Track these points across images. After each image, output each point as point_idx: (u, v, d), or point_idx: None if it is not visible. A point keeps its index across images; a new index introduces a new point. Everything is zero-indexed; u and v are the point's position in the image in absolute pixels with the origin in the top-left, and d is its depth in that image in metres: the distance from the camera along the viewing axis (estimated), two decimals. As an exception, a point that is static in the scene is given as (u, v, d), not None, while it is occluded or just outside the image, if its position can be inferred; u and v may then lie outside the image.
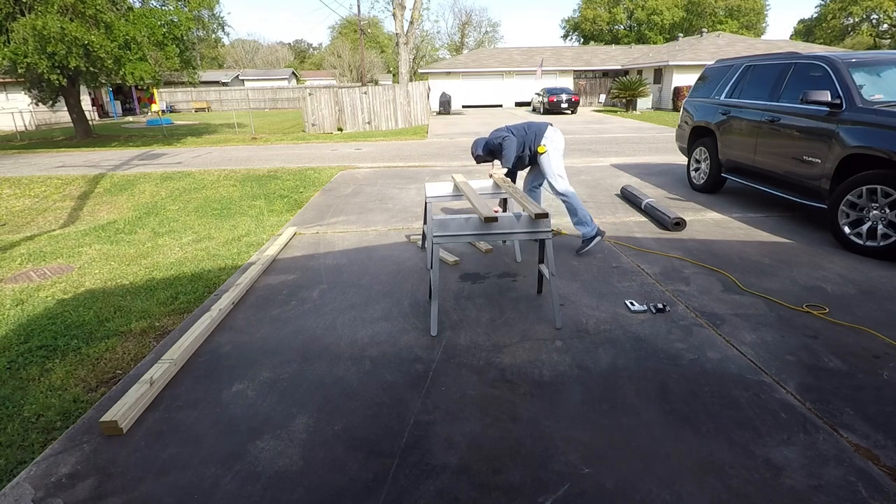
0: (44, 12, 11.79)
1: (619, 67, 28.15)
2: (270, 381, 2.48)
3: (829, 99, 4.29)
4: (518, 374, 2.50)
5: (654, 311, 3.12)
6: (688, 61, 22.83)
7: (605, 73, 28.77)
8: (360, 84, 34.99)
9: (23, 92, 17.54)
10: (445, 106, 23.94)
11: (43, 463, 1.98)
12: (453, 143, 13.11)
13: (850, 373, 2.44)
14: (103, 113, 29.22)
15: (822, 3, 46.98)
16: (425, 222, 3.91)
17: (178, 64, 14.65)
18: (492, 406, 2.26)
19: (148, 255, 4.59)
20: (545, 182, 4.24)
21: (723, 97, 6.02)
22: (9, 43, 12.18)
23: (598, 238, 4.17)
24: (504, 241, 3.07)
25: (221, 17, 16.94)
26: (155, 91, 18.28)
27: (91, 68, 13.10)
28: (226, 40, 24.46)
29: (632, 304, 3.21)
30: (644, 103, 24.79)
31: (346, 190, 7.21)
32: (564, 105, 22.07)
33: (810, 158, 4.52)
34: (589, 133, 14.48)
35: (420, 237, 4.51)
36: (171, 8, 14.54)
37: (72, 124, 17.06)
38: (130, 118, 28.46)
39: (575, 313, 3.14)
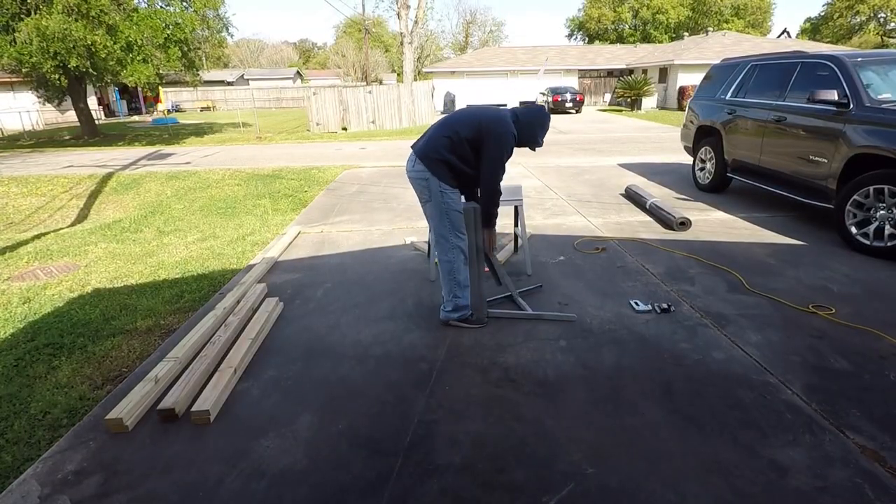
0: (48, 12, 11.87)
1: (624, 67, 28.04)
2: (274, 380, 2.49)
3: (837, 98, 4.26)
4: (522, 373, 2.50)
5: (658, 311, 3.11)
6: (693, 60, 22.71)
7: (610, 73, 28.65)
8: (364, 83, 35.02)
9: (29, 91, 17.67)
10: (450, 105, 23.90)
11: (49, 460, 1.99)
12: (457, 142, 13.09)
13: (856, 374, 2.42)
14: (109, 112, 29.38)
15: (829, 1, 46.65)
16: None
17: (180, 65, 14.70)
18: (496, 405, 2.26)
19: (153, 254, 4.61)
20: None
21: (728, 96, 5.98)
22: (15, 43, 12.28)
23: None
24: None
25: (226, 18, 17.00)
26: (161, 90, 18.40)
27: (92, 70, 13.18)
28: (230, 40, 24.54)
29: (636, 303, 3.20)
30: (649, 102, 24.71)
31: (351, 189, 7.23)
32: (569, 104, 22.00)
33: (817, 158, 4.49)
34: (594, 132, 14.44)
35: (425, 243, 4.37)
36: (175, 10, 14.58)
37: (78, 124, 17.18)
38: (136, 117, 28.60)
39: (579, 313, 3.13)
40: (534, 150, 2.86)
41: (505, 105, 28.57)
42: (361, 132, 16.67)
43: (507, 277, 3.16)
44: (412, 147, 2.78)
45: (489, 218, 2.82)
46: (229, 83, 40.05)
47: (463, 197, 2.87)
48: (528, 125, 2.74)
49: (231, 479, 1.86)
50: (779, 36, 30.15)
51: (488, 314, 3.04)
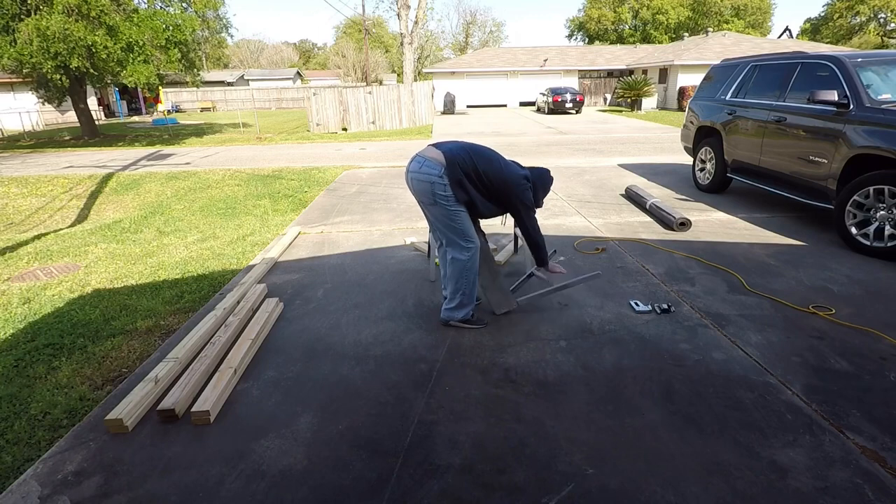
0: (48, 13, 11.88)
1: (624, 67, 28.05)
2: (275, 380, 2.49)
3: (837, 99, 4.26)
4: (522, 373, 2.50)
5: (658, 311, 3.11)
6: (693, 61, 22.72)
7: (610, 73, 28.67)
8: (364, 84, 35.03)
9: (30, 92, 17.69)
10: (450, 106, 23.94)
11: (49, 460, 1.99)
12: (457, 142, 13.09)
13: (856, 374, 2.42)
14: (109, 113, 29.39)
15: (829, 2, 46.69)
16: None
17: (180, 66, 14.71)
18: (496, 406, 2.26)
19: (153, 255, 4.61)
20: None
21: (728, 97, 5.99)
22: (15, 43, 12.29)
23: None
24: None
25: (226, 19, 17.02)
26: (161, 91, 18.44)
27: (92, 70, 13.20)
28: (230, 41, 24.59)
29: (636, 304, 3.20)
30: (649, 103, 24.71)
31: (351, 189, 7.23)
32: (569, 105, 22.01)
33: (817, 158, 4.49)
34: (594, 133, 14.44)
35: (425, 244, 4.36)
36: (175, 11, 14.59)
37: (78, 124, 17.19)
38: (136, 118, 28.61)
39: (579, 313, 3.13)
40: (536, 207, 2.96)
41: (505, 105, 28.52)
42: (361, 133, 16.68)
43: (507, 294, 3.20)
44: (435, 146, 2.74)
45: (543, 262, 2.97)
46: (229, 84, 40.03)
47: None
48: (532, 185, 2.88)
49: (231, 479, 1.86)
50: (781, 34, 30.09)
51: (518, 303, 3.15)
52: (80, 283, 3.93)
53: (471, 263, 2.81)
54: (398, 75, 45.88)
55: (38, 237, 5.61)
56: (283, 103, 35.57)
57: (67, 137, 17.03)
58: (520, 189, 2.76)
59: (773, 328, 2.88)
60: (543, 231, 3.05)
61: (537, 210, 2.92)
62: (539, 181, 2.92)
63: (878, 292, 3.34)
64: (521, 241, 4.09)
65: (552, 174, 3.03)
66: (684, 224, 4.77)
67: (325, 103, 16.93)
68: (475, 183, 2.69)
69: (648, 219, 5.23)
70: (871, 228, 4.00)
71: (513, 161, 2.91)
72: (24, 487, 1.86)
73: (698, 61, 22.35)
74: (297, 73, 50.07)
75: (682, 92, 22.01)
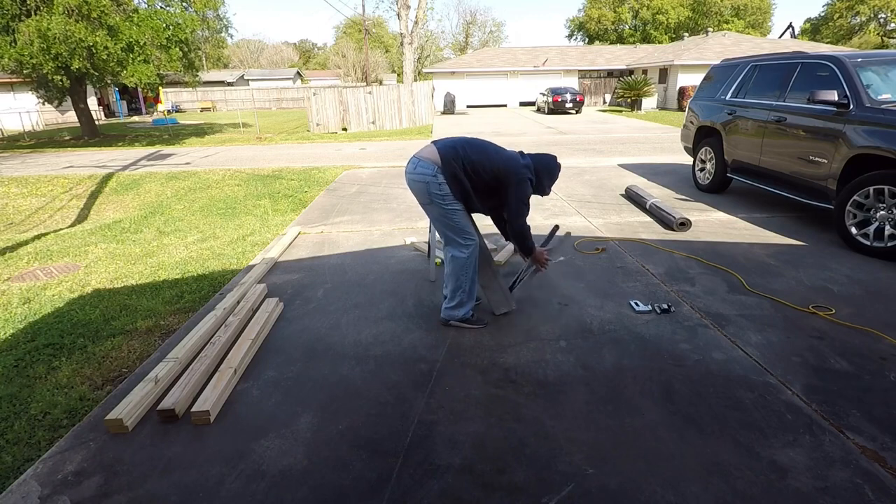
0: (48, 13, 11.87)
1: (624, 67, 28.05)
2: (274, 380, 2.49)
3: (837, 99, 4.26)
4: (522, 373, 2.50)
5: (658, 311, 3.11)
6: (693, 61, 22.71)
7: (610, 73, 28.66)
8: (364, 84, 35.04)
9: (30, 92, 17.69)
10: (450, 106, 23.94)
11: (49, 460, 1.99)
12: (457, 142, 13.08)
13: (856, 374, 2.42)
14: (109, 113, 29.39)
15: (829, 2, 46.71)
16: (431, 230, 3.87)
17: (180, 66, 14.71)
18: (496, 406, 2.26)
19: (153, 255, 4.61)
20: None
21: (728, 97, 5.99)
22: (15, 44, 12.29)
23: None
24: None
25: (226, 18, 17.03)
26: (161, 91, 18.44)
27: (92, 71, 13.20)
28: (230, 41, 24.60)
29: (636, 304, 3.20)
30: (649, 103, 24.70)
31: (351, 189, 7.23)
32: (569, 105, 22.01)
33: (817, 159, 4.49)
34: (594, 133, 14.44)
35: (425, 243, 4.37)
36: (175, 10, 14.59)
37: (78, 124, 17.20)
38: (136, 118, 28.61)
39: (579, 313, 3.13)
40: (542, 196, 2.96)
41: (505, 105, 28.52)
42: (361, 133, 16.68)
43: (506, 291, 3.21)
44: (431, 143, 2.77)
45: (528, 251, 2.96)
46: (229, 84, 40.01)
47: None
48: (536, 173, 2.87)
49: (231, 479, 1.86)
50: (784, 31, 30.04)
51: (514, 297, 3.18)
52: (80, 283, 3.93)
53: (470, 260, 2.82)
54: (398, 75, 45.87)
55: (38, 237, 5.61)
56: (283, 103, 35.56)
57: (67, 137, 17.03)
58: (516, 176, 2.72)
59: (773, 328, 2.88)
60: (543, 231, 3.06)
61: (542, 199, 2.93)
62: (544, 169, 2.90)
63: (878, 292, 3.34)
64: None
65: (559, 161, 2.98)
66: (684, 224, 4.77)
67: (325, 103, 16.93)
68: (469, 175, 2.70)
69: (648, 219, 5.23)
70: (871, 228, 4.00)
71: (518, 152, 2.90)
72: (24, 487, 1.86)
73: (698, 61, 22.34)
74: (297, 73, 50.04)
75: (682, 92, 22.00)
